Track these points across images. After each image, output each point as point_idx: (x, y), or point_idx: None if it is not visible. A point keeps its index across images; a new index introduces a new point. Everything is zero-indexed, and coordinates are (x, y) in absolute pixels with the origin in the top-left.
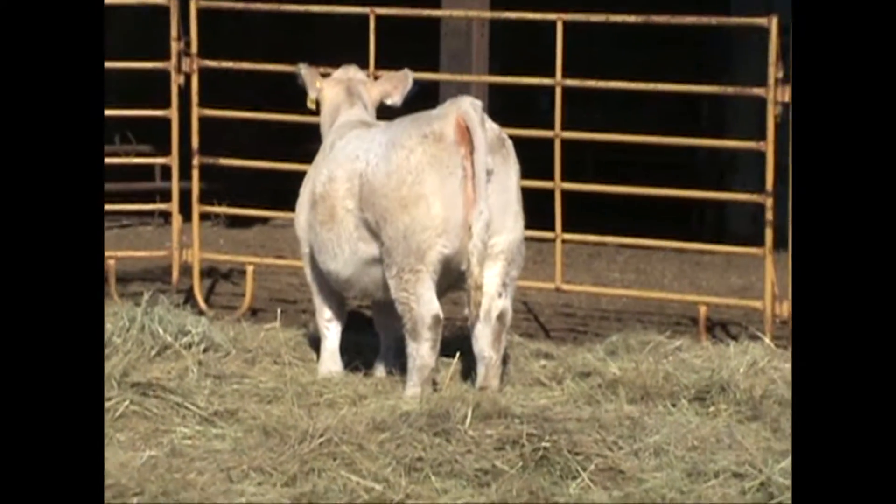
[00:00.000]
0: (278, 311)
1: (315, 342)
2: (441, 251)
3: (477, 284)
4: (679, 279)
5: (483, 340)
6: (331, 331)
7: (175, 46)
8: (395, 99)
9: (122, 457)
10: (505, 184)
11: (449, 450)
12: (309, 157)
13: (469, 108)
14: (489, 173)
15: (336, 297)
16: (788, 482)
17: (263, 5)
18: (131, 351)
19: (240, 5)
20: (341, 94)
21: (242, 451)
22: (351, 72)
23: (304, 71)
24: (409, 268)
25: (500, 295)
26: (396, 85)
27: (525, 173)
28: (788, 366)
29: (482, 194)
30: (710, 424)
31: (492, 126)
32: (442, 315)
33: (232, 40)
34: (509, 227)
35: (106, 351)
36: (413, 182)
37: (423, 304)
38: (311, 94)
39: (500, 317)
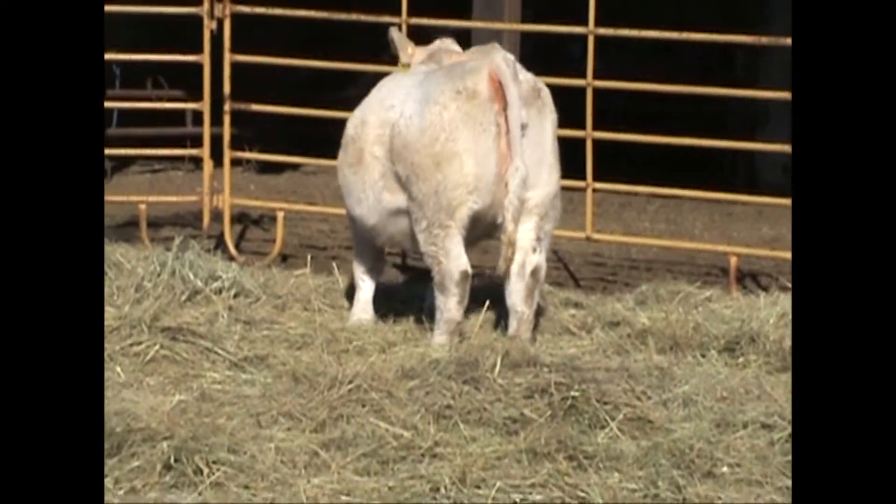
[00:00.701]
0: (308, 257)
1: (346, 288)
2: (471, 207)
3: (510, 240)
4: (710, 229)
5: (516, 295)
6: (365, 283)
7: None
8: None
9: (151, 401)
10: (539, 137)
11: (478, 398)
12: (340, 104)
13: (501, 62)
14: (523, 127)
15: (373, 250)
16: None
17: None
18: (162, 296)
19: None
20: (423, 58)
21: (271, 397)
22: (446, 42)
23: (395, 36)
24: (438, 223)
25: (534, 250)
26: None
27: (557, 122)
28: None
29: (517, 150)
30: (739, 375)
31: (527, 77)
32: (470, 270)
33: None
34: (544, 180)
35: (137, 295)
36: (446, 139)
37: (451, 259)
38: (403, 59)
39: (535, 272)
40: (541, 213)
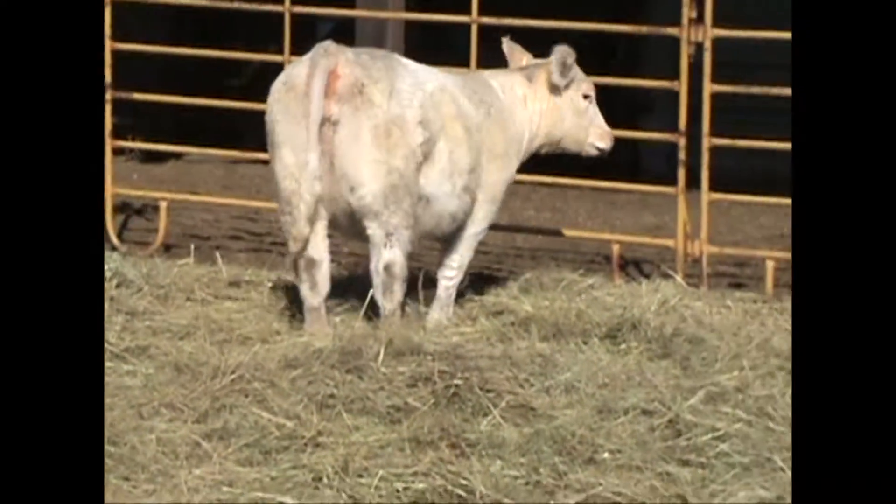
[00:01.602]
0: (192, 246)
1: (229, 278)
2: (306, 196)
3: (298, 235)
4: (593, 218)
5: (376, 291)
6: None
7: None
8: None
9: None
10: (356, 134)
11: (361, 387)
12: (224, 93)
13: (316, 54)
14: (335, 123)
15: None
16: (696, 419)
17: None
18: None
19: None
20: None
21: (153, 388)
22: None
23: (507, 47)
24: (284, 211)
25: (385, 245)
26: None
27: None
28: (699, 304)
29: (311, 144)
30: (620, 362)
31: (347, 73)
32: (319, 258)
33: None
34: (367, 178)
35: None
36: (272, 130)
37: (298, 245)
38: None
39: (388, 268)
40: (377, 210)
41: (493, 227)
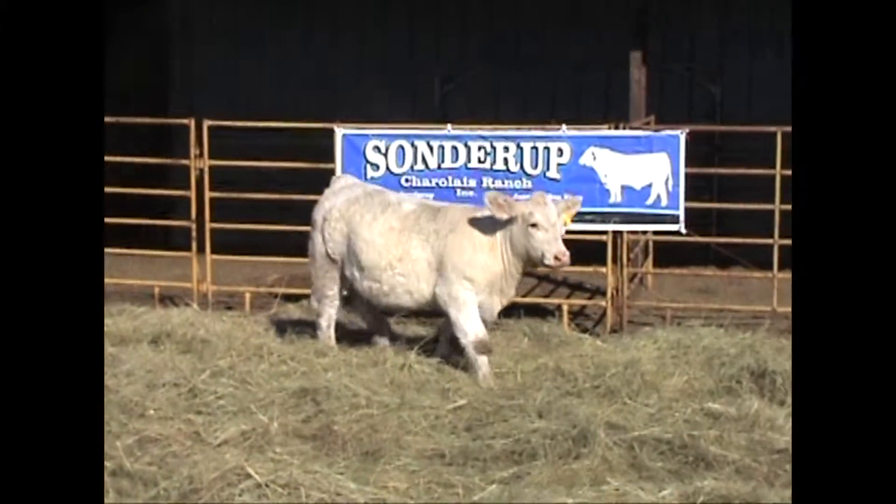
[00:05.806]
0: None
1: None
2: None
3: None
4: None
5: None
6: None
7: None
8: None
9: None
10: None
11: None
12: None
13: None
14: None
15: None
16: (205, 387)
17: None
18: None
19: None
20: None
21: None
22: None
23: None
24: None
25: None
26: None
27: None
28: (208, 321)
29: None
30: (160, 357)
31: None
32: None
33: None
34: None
35: None
36: None
37: None
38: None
39: None
40: None
41: None
